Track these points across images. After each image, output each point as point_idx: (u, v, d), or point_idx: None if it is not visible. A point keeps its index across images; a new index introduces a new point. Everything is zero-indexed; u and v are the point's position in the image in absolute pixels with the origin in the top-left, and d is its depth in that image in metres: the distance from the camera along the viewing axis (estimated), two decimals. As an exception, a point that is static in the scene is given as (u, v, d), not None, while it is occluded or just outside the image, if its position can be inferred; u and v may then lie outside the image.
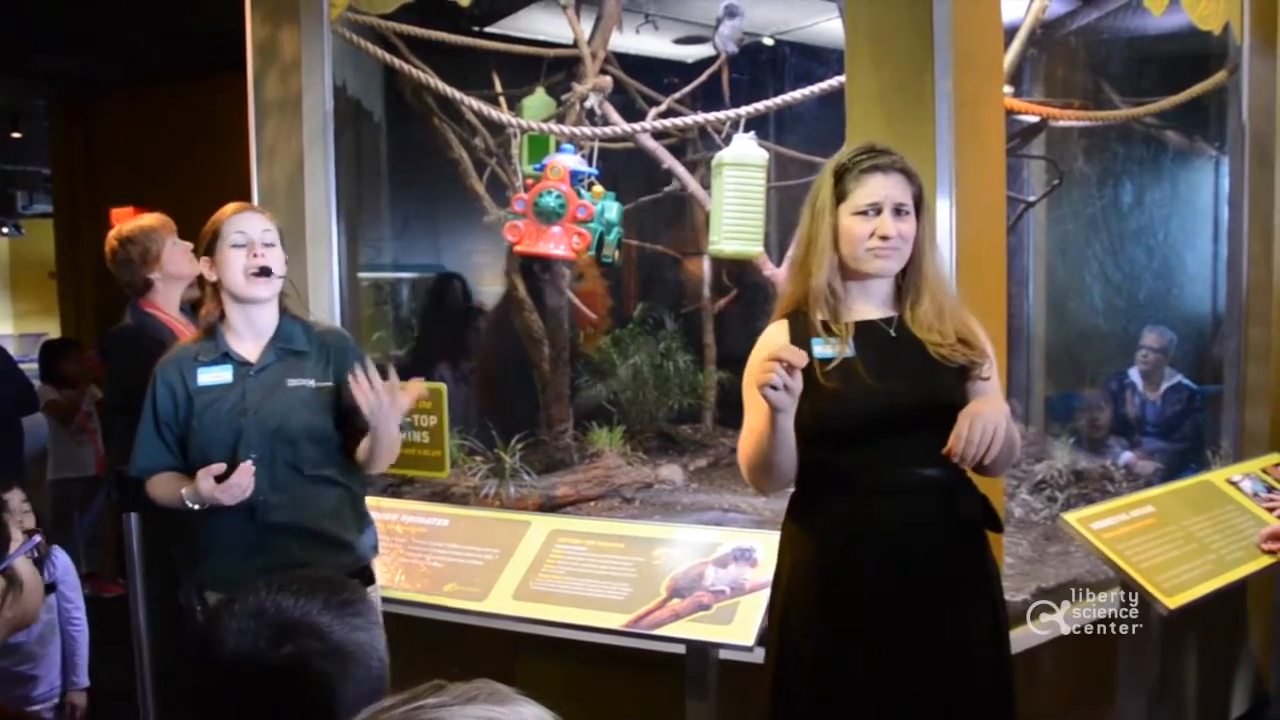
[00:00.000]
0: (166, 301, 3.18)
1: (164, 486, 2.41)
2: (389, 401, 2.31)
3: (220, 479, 2.26)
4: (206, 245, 2.41)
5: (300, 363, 2.44)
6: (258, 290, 2.40)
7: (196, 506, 2.31)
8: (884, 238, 2.02)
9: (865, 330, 2.07)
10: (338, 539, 2.47)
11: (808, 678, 2.07)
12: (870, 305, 2.11)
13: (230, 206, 2.45)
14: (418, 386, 2.46)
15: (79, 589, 2.90)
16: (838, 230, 2.06)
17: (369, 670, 1.22)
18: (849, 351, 2.03)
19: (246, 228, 2.39)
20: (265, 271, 2.39)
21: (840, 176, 2.07)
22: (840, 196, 2.06)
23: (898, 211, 2.03)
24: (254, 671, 1.17)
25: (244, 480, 2.27)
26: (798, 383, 1.89)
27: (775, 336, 2.13)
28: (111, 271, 3.22)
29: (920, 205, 2.07)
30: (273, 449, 2.37)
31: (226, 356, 2.41)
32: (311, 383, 2.43)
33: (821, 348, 2.05)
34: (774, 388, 1.88)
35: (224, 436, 2.36)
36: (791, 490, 2.19)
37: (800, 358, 1.86)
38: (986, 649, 2.05)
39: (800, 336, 2.08)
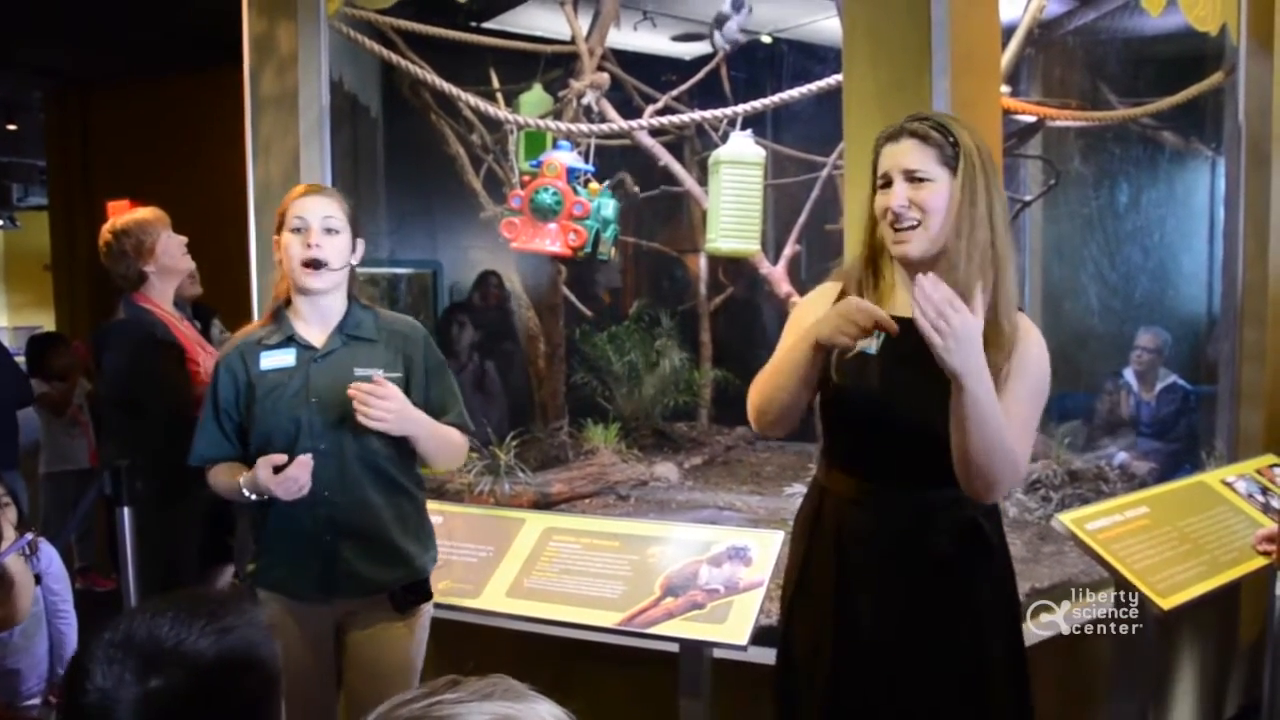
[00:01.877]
0: (161, 295, 3.13)
1: (223, 476, 2.30)
2: (387, 403, 2.17)
3: (279, 470, 2.15)
4: (277, 226, 2.31)
5: (369, 351, 2.30)
6: (308, 281, 2.27)
7: (254, 497, 2.21)
8: (892, 210, 1.87)
9: (900, 328, 1.88)
10: (399, 551, 2.33)
11: (786, 671, 2.08)
12: (909, 298, 1.91)
13: (300, 187, 2.36)
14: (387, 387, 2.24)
15: (66, 581, 2.87)
16: (873, 209, 1.96)
17: (256, 686, 1.17)
18: (872, 347, 1.91)
19: (305, 212, 2.26)
20: (315, 264, 2.25)
21: (876, 152, 1.96)
22: (875, 174, 1.97)
23: (913, 180, 1.87)
24: (117, 708, 1.10)
25: (300, 474, 2.14)
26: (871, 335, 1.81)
27: (825, 296, 2.05)
28: (105, 265, 3.17)
29: (959, 170, 1.86)
30: (340, 442, 2.25)
31: (291, 340, 2.29)
32: (380, 372, 2.26)
33: None
34: (848, 335, 1.80)
35: (285, 425, 2.24)
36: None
37: (891, 328, 1.78)
38: (962, 679, 1.95)
39: None
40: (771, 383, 1.97)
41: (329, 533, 2.26)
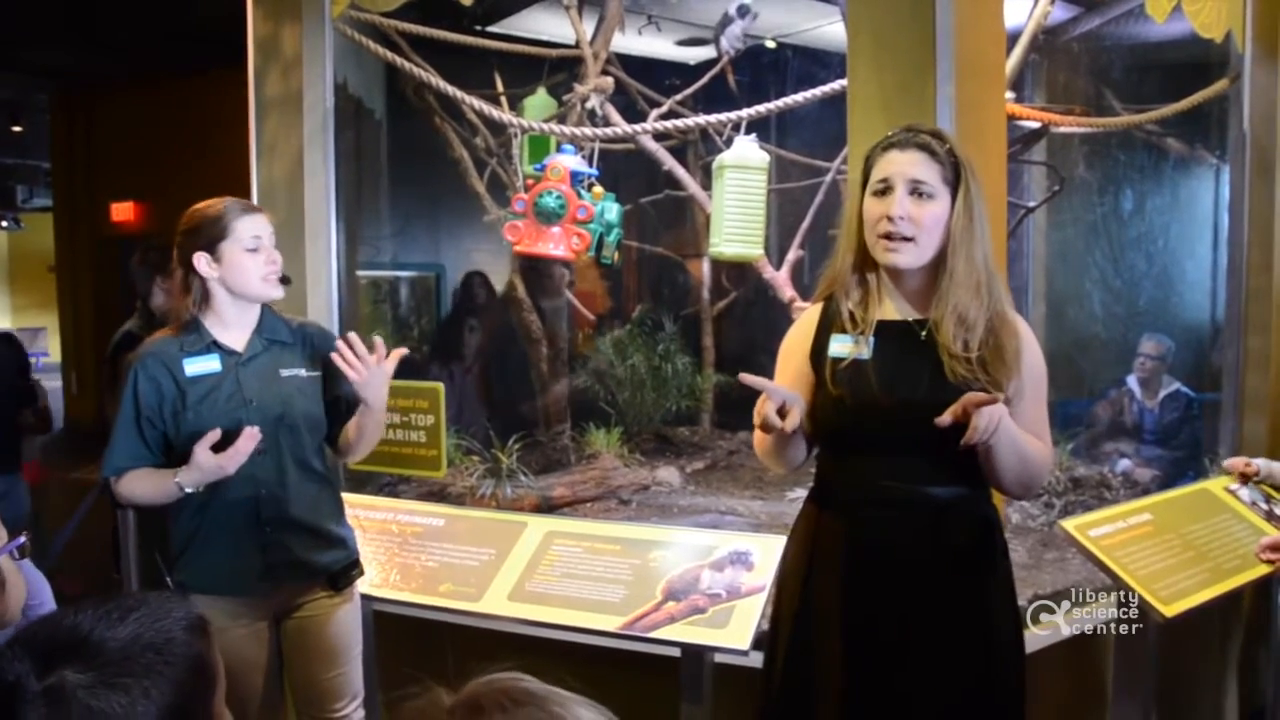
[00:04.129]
0: None
1: (145, 481, 2.33)
2: (375, 368, 2.34)
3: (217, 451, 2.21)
4: (205, 242, 2.34)
5: (287, 353, 2.44)
6: (274, 294, 2.41)
7: (190, 490, 2.25)
8: (889, 218, 1.88)
9: (891, 331, 1.95)
10: (334, 534, 2.49)
11: (780, 682, 2.07)
12: (897, 304, 1.98)
13: (231, 203, 2.39)
14: (399, 352, 2.43)
15: (46, 587, 2.86)
16: (861, 215, 1.96)
17: (182, 678, 1.13)
18: (865, 353, 1.94)
19: (260, 231, 2.37)
20: (286, 280, 2.41)
21: (869, 159, 1.98)
22: (865, 179, 1.97)
23: (917, 193, 1.89)
24: (9, 705, 1.07)
25: (247, 446, 2.22)
26: (792, 418, 1.84)
27: (807, 320, 2.08)
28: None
29: (958, 190, 1.91)
30: (276, 438, 2.35)
31: (213, 345, 2.37)
32: (303, 372, 2.44)
33: (838, 346, 1.97)
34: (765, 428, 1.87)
35: (223, 426, 2.29)
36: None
37: (775, 421, 1.82)
38: (970, 689, 1.94)
39: (828, 326, 2.02)
40: (759, 439, 2.05)
41: (270, 525, 2.37)
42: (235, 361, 2.37)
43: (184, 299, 2.40)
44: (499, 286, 4.90)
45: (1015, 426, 1.88)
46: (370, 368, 2.33)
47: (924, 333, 1.94)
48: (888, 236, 1.90)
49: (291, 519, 2.39)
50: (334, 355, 2.32)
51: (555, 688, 0.96)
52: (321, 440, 2.49)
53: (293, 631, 2.47)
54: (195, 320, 2.39)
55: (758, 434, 2.01)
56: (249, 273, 2.35)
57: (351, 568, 2.53)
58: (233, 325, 2.41)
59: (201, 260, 2.35)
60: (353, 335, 2.35)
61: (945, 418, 1.79)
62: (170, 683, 1.12)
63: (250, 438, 2.23)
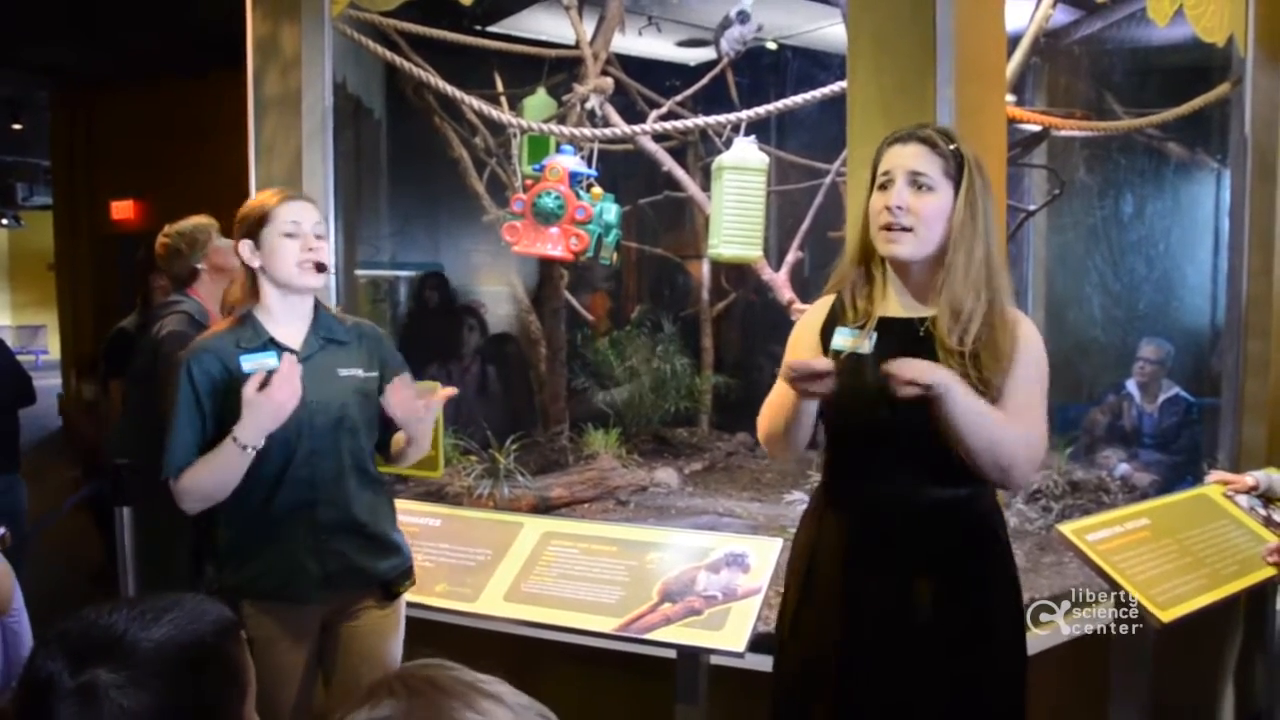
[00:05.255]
0: (209, 294, 3.34)
1: (204, 465, 2.19)
2: (423, 408, 2.27)
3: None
4: (248, 229, 2.28)
5: (344, 353, 2.35)
6: (310, 281, 2.30)
7: (250, 447, 2.14)
8: (888, 208, 1.89)
9: (894, 328, 1.95)
10: (390, 540, 2.41)
11: (781, 679, 2.07)
12: (902, 300, 1.98)
13: (276, 193, 2.34)
14: (448, 391, 2.39)
15: (13, 577, 2.84)
16: (867, 209, 1.98)
17: (212, 683, 1.15)
18: (865, 348, 1.93)
19: (300, 217, 2.28)
20: (322, 267, 2.30)
21: (876, 155, 1.99)
22: (874, 176, 1.98)
23: (917, 185, 1.90)
24: (55, 699, 1.09)
25: (291, 372, 2.13)
26: (824, 385, 1.84)
27: (818, 309, 2.08)
28: (161, 265, 3.42)
29: (960, 184, 1.91)
30: (336, 441, 2.27)
31: (270, 342, 2.27)
32: (360, 372, 2.34)
33: (840, 340, 1.96)
34: (800, 387, 1.85)
35: (283, 428, 2.19)
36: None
37: (823, 366, 1.82)
38: (966, 689, 1.93)
39: (835, 319, 2.02)
40: (773, 414, 2.03)
41: (326, 532, 2.28)
42: (293, 360, 2.25)
43: (238, 295, 2.34)
44: (499, 287, 4.91)
45: (976, 399, 1.83)
46: (417, 407, 2.27)
47: (923, 329, 1.93)
48: (888, 228, 1.91)
49: (349, 524, 2.31)
50: (386, 390, 2.27)
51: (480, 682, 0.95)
52: (374, 443, 2.40)
53: (342, 637, 2.37)
54: (249, 315, 2.30)
55: (776, 405, 2.00)
56: (284, 259, 2.26)
57: (405, 575, 2.44)
58: (285, 321, 2.32)
59: (245, 248, 2.28)
60: (406, 378, 2.31)
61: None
62: (202, 685, 1.14)
63: (291, 362, 2.15)
